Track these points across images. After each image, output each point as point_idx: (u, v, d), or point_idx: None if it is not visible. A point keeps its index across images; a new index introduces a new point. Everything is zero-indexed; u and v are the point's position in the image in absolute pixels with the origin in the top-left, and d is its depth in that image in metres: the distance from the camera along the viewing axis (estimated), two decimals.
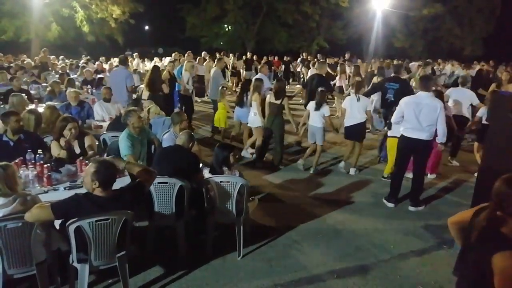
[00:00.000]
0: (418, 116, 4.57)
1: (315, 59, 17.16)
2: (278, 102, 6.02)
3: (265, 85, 6.87)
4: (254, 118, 6.40)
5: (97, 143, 4.52)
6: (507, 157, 3.19)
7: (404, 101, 4.78)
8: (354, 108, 5.89)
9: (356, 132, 6.01)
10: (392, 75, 6.98)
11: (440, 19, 27.73)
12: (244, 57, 16.91)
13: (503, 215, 1.84)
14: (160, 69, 8.66)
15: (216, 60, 9.74)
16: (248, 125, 6.69)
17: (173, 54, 14.50)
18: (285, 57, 18.39)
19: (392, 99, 6.33)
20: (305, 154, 6.36)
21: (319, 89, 6.11)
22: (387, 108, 6.35)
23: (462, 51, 27.60)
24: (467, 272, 2.00)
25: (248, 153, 6.78)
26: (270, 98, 6.16)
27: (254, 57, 17.96)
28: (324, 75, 7.62)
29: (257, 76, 7.27)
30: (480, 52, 26.64)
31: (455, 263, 2.24)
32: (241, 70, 15.76)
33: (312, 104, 6.05)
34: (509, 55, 18.47)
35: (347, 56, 16.75)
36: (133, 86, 7.87)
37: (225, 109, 7.46)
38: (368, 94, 6.47)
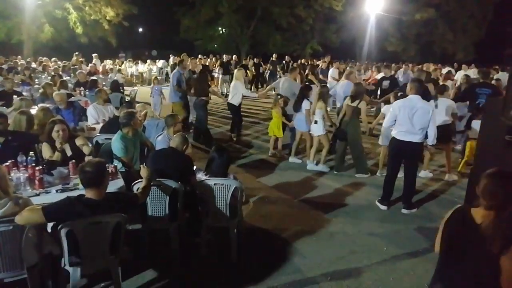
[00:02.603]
0: (412, 120, 4.61)
1: (287, 62, 16.88)
2: (355, 104, 5.98)
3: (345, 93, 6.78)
4: (315, 126, 6.28)
5: (90, 146, 4.48)
6: (499, 159, 3.23)
7: (397, 104, 4.81)
8: (435, 111, 5.94)
9: (442, 135, 6.00)
10: (481, 80, 7.21)
11: (432, 24, 28.08)
12: (218, 60, 16.60)
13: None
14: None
15: (289, 69, 8.46)
16: (310, 133, 6.46)
17: (171, 57, 14.47)
18: (255, 59, 17.46)
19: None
20: (380, 163, 6.25)
21: (399, 93, 6.13)
22: (479, 112, 6.33)
23: (454, 55, 27.92)
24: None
25: (314, 165, 6.40)
26: (347, 100, 6.17)
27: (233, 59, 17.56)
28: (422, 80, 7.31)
29: (343, 83, 7.19)
30: (472, 57, 26.98)
31: (436, 273, 2.22)
32: (217, 74, 15.36)
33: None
34: (500, 59, 18.77)
35: (326, 59, 16.91)
36: (178, 85, 8.00)
37: (278, 118, 7.00)
38: (459, 100, 6.46)
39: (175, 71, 8.36)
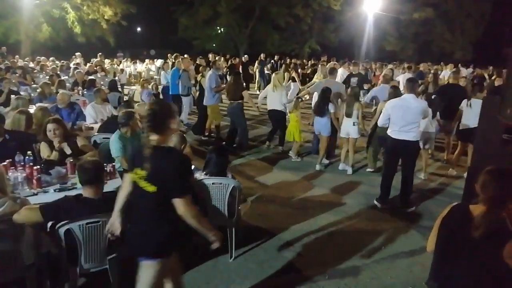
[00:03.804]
0: (405, 118, 4.64)
1: (275, 62, 16.65)
2: None
3: (379, 96, 6.67)
4: (354, 129, 6.08)
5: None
6: (496, 157, 3.24)
7: (391, 104, 4.85)
8: (468, 112, 5.99)
9: (471, 135, 5.99)
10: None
11: (430, 23, 28.10)
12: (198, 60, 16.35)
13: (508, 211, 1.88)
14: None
15: (328, 70, 7.74)
16: (348, 136, 6.20)
17: (175, 57, 14.29)
18: (243, 58, 17.15)
19: None
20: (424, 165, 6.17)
21: (433, 96, 6.16)
22: None
23: (453, 55, 27.97)
24: (471, 272, 2.01)
25: (348, 167, 6.35)
26: (381, 105, 6.00)
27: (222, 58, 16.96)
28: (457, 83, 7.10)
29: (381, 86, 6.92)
30: (470, 56, 27.04)
31: (431, 272, 2.24)
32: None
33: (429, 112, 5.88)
34: (497, 59, 18.92)
35: (323, 59, 16.91)
36: (216, 87, 7.72)
37: (297, 122, 6.82)
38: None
39: (210, 72, 7.95)
